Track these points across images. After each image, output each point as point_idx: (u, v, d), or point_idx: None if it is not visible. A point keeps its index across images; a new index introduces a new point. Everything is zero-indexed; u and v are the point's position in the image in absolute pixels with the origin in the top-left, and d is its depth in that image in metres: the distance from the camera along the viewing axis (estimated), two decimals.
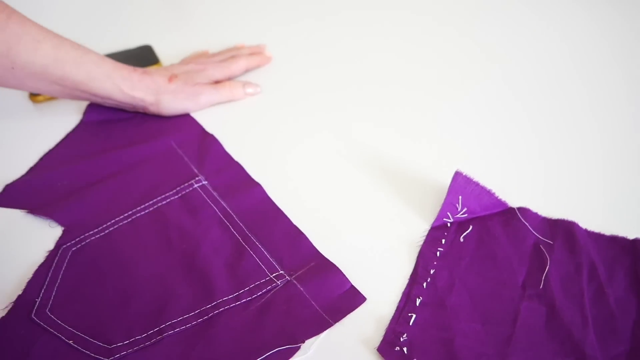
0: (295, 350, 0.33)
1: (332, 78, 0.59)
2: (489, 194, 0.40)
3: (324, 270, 0.38)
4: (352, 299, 0.36)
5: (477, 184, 0.40)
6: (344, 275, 0.37)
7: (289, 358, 0.33)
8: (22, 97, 0.57)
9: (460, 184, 0.40)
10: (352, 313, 0.35)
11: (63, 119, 0.54)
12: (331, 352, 0.34)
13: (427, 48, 0.63)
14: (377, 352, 0.33)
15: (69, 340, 0.34)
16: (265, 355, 0.32)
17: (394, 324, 0.34)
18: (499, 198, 0.40)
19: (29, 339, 0.34)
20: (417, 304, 0.35)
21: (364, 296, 0.36)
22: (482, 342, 0.32)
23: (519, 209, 0.40)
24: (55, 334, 0.34)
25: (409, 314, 0.34)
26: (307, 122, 0.53)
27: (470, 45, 0.63)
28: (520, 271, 0.36)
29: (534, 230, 0.38)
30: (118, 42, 0.66)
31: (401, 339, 0.33)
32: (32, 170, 0.48)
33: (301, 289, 0.36)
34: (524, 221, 0.39)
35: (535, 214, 0.40)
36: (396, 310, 0.35)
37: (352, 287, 0.37)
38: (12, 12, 0.47)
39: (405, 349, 0.32)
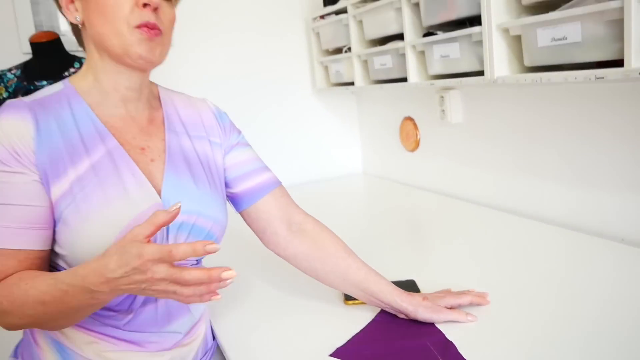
0: None
1: (534, 324, 0.92)
2: None
3: None
4: None
5: None
6: None
7: None
8: (339, 299, 1.03)
9: None
10: None
11: (360, 317, 0.97)
12: None
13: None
14: None
15: None
16: None
17: None
18: None
19: None
20: None
21: None
22: None
23: None
24: None
25: None
26: (505, 346, 0.85)
27: None
28: None
29: None
30: (393, 274, 1.11)
31: None
32: (350, 341, 0.89)
33: None
34: None
35: None
36: None
37: None
38: (351, 252, 0.97)
39: None
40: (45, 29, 1.83)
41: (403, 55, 1.58)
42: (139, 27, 0.80)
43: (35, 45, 1.68)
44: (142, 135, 0.87)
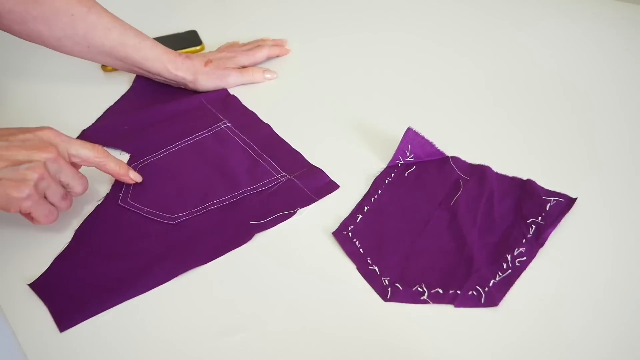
0: (292, 214, 0.52)
1: (336, 69, 0.74)
2: (431, 144, 0.55)
3: (312, 171, 0.56)
4: (330, 186, 0.54)
5: (423, 137, 0.55)
6: (325, 173, 0.55)
7: (288, 218, 0.51)
8: (96, 67, 0.75)
9: (411, 136, 0.54)
10: (322, 212, 0.52)
11: (123, 85, 0.72)
12: (307, 232, 0.51)
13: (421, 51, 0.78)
14: (333, 235, 0.49)
15: (147, 214, 0.52)
16: (273, 216, 0.51)
17: (346, 220, 0.50)
18: (438, 148, 0.55)
19: (118, 215, 0.52)
20: (364, 210, 0.51)
21: (337, 184, 0.54)
22: (401, 232, 0.48)
23: (452, 157, 0.55)
24: (135, 211, 0.52)
25: (357, 215, 0.51)
26: (308, 95, 0.69)
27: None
28: (440, 194, 0.51)
29: (458, 170, 0.53)
30: (169, 26, 0.83)
31: (349, 229, 0.49)
32: (100, 119, 0.65)
33: (297, 182, 0.54)
34: (452, 164, 0.54)
35: (463, 161, 0.55)
36: (350, 213, 0.51)
37: (330, 180, 0.55)
38: (93, 5, 0.64)
39: (350, 234, 0.48)
40: None
41: None
42: None
43: None
44: None
